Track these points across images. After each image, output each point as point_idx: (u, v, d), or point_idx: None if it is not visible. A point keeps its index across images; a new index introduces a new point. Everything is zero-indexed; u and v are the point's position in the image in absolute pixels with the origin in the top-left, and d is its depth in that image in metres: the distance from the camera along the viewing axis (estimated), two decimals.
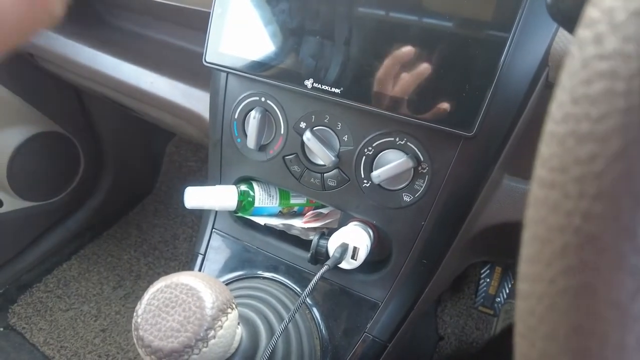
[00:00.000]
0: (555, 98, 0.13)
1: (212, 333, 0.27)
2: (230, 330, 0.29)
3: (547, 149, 0.12)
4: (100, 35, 0.77)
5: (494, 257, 0.74)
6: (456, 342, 0.92)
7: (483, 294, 0.89)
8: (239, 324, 0.34)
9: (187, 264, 1.16)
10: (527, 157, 0.43)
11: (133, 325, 0.28)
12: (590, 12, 0.11)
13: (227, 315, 0.28)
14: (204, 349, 0.27)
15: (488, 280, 0.89)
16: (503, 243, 0.54)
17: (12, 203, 1.02)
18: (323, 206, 0.52)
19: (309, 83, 0.41)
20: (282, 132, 0.46)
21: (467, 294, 0.93)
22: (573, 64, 0.12)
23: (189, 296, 0.27)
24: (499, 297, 0.88)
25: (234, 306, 0.30)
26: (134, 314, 0.28)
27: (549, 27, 0.36)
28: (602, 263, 0.10)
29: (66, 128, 1.03)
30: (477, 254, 0.58)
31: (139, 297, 1.13)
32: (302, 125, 0.45)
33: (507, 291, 0.88)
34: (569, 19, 0.21)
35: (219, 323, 0.28)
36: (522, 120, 0.40)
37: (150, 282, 0.97)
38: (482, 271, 0.88)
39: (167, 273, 1.07)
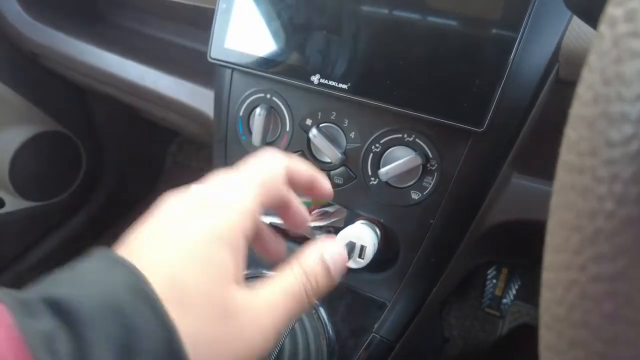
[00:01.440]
0: (583, 80, 0.12)
1: None
2: None
3: (574, 133, 0.12)
4: (104, 34, 0.77)
5: (502, 256, 0.73)
6: (462, 343, 0.92)
7: (489, 296, 0.88)
8: None
9: None
10: (537, 154, 0.42)
11: None
12: None
13: None
14: None
15: (494, 281, 0.88)
16: (511, 242, 0.53)
17: (14, 203, 1.02)
18: (329, 204, 0.52)
19: (315, 79, 0.40)
20: (287, 129, 0.46)
21: (473, 295, 0.92)
22: (603, 44, 0.11)
23: None
24: (506, 299, 0.88)
25: None
26: None
27: (559, 22, 0.36)
28: (637, 250, 0.10)
29: (68, 128, 1.03)
30: (485, 254, 0.57)
31: None
32: (308, 122, 0.44)
33: (514, 292, 0.87)
34: (587, 10, 0.20)
35: None
36: (532, 117, 0.39)
37: None
38: (488, 272, 0.88)
39: None
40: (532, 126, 0.40)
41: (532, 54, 0.35)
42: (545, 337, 0.12)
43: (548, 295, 0.12)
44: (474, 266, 0.61)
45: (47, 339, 0.15)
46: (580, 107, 0.11)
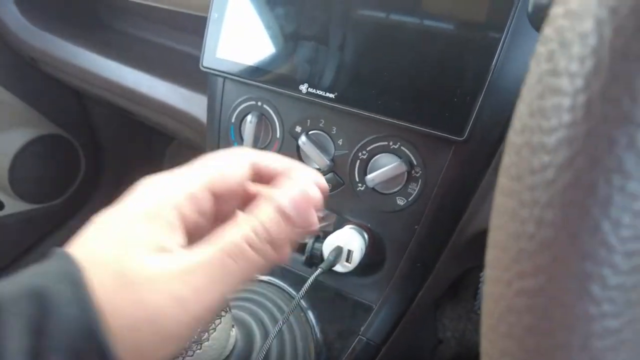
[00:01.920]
0: (516, 110, 0.13)
1: (205, 335, 0.28)
2: (224, 332, 0.29)
3: (507, 158, 0.13)
4: (101, 39, 0.78)
5: None
6: (456, 345, 0.93)
7: (483, 298, 0.89)
8: (233, 326, 0.34)
9: None
10: None
11: None
12: (546, 30, 0.12)
13: (220, 318, 0.29)
14: (198, 351, 0.27)
15: None
16: None
17: (14, 205, 1.03)
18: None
19: (303, 88, 0.42)
20: (277, 136, 0.47)
21: (466, 297, 0.93)
22: (531, 78, 0.12)
23: None
24: None
25: (227, 309, 0.30)
26: None
27: None
28: (553, 268, 0.11)
29: (67, 130, 1.04)
30: (473, 258, 0.58)
31: None
32: (298, 129, 0.45)
33: None
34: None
35: (212, 326, 0.28)
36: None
37: None
38: (481, 275, 0.88)
39: None
40: None
41: (513, 62, 0.36)
42: (483, 345, 0.13)
43: (484, 306, 0.13)
44: (463, 270, 0.62)
45: None
46: (512, 135, 0.12)
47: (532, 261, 0.11)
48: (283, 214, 0.20)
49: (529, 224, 0.11)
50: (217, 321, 0.29)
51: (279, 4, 0.42)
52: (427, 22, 0.37)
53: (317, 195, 0.22)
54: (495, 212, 0.13)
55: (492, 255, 0.13)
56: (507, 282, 0.12)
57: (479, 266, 0.90)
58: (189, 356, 0.27)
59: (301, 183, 0.22)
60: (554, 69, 0.11)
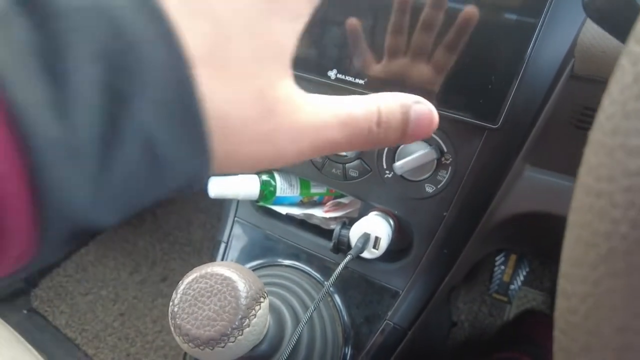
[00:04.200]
0: (604, 109, 0.13)
1: (246, 322, 0.28)
2: (263, 318, 0.30)
3: (594, 158, 0.13)
4: None
5: (513, 245, 0.74)
6: (469, 328, 0.94)
7: (497, 281, 0.89)
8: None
9: (201, 250, 1.18)
10: (549, 148, 0.43)
11: (170, 314, 0.29)
12: None
13: (260, 304, 0.29)
14: (239, 337, 0.28)
15: (503, 267, 0.89)
16: (523, 232, 0.54)
17: None
18: (343, 195, 0.53)
19: (332, 74, 0.41)
20: None
21: (481, 280, 0.94)
22: (625, 78, 0.12)
23: (224, 286, 0.28)
24: (514, 285, 0.89)
25: (265, 295, 0.30)
26: (170, 302, 0.29)
27: (576, 17, 0.36)
28: None
29: None
30: (496, 243, 0.58)
31: (154, 283, 1.15)
32: None
33: (522, 279, 0.89)
34: (606, 18, 0.21)
35: (253, 312, 0.29)
36: (546, 112, 0.40)
37: (165, 268, 0.99)
38: (497, 258, 0.89)
39: (182, 259, 1.08)
40: (546, 120, 0.40)
41: (548, 49, 0.36)
42: (560, 340, 0.13)
43: (564, 303, 0.13)
44: (484, 254, 0.62)
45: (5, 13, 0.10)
46: (601, 135, 0.12)
47: (625, 260, 0.11)
48: (405, 123, 0.20)
49: (623, 225, 0.11)
50: (257, 307, 0.29)
51: None
52: (461, 7, 0.36)
53: (434, 121, 0.21)
54: (577, 210, 0.13)
55: (575, 252, 0.13)
56: (595, 281, 0.12)
57: (496, 250, 0.90)
58: (230, 342, 0.28)
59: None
60: None
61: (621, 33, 0.20)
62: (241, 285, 0.28)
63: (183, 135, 0.13)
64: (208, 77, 0.13)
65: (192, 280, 0.29)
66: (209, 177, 0.16)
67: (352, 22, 0.39)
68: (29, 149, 0.10)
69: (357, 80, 0.40)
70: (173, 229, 1.24)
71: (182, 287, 0.29)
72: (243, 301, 0.28)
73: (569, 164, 0.40)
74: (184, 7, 0.13)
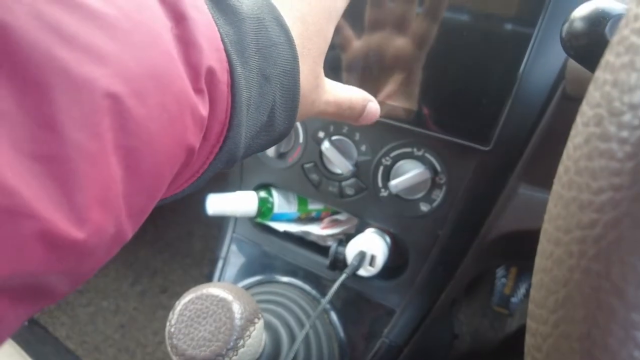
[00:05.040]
0: (562, 162, 0.14)
1: (241, 342, 0.29)
2: (258, 339, 0.30)
3: (554, 209, 0.14)
4: None
5: (510, 261, 0.74)
6: (471, 340, 0.93)
7: (499, 294, 0.89)
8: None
9: (202, 261, 1.18)
10: (543, 166, 0.43)
11: (167, 334, 0.29)
12: (592, 94, 0.12)
13: (254, 325, 0.30)
14: (234, 357, 0.28)
15: (504, 280, 0.89)
16: (518, 248, 0.55)
17: None
18: (339, 213, 0.53)
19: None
20: (300, 140, 0.47)
21: (482, 293, 0.94)
22: (578, 137, 0.13)
23: (219, 307, 0.29)
24: (515, 297, 0.89)
25: (260, 316, 0.31)
26: (167, 322, 0.30)
27: None
28: (598, 315, 0.12)
29: None
30: (493, 259, 0.58)
31: (155, 294, 1.16)
32: (321, 134, 0.46)
33: (523, 291, 0.89)
34: (581, 56, 0.22)
35: (248, 332, 0.29)
36: (539, 131, 0.40)
37: (166, 279, 0.99)
38: (498, 271, 0.89)
39: (182, 270, 1.09)
40: (539, 140, 0.41)
41: (539, 72, 0.37)
42: None
43: (530, 340, 0.14)
44: (482, 270, 0.62)
45: (213, 22, 0.18)
46: (559, 187, 0.13)
47: (579, 308, 0.12)
48: (364, 105, 0.28)
49: (576, 273, 0.12)
50: (252, 328, 0.30)
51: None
52: (452, 33, 0.37)
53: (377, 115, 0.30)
54: (541, 255, 0.14)
55: (539, 295, 0.13)
56: (554, 323, 0.12)
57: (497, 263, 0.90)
58: None
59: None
60: (603, 133, 0.12)
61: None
62: (236, 307, 0.29)
63: (288, 106, 0.22)
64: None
65: (189, 301, 0.30)
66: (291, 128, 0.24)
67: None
68: (232, 72, 0.17)
69: None
70: (174, 240, 1.24)
71: (178, 308, 0.30)
72: (237, 322, 0.29)
73: None
74: (289, 13, 0.22)
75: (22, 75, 0.11)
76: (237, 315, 0.29)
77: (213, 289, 0.30)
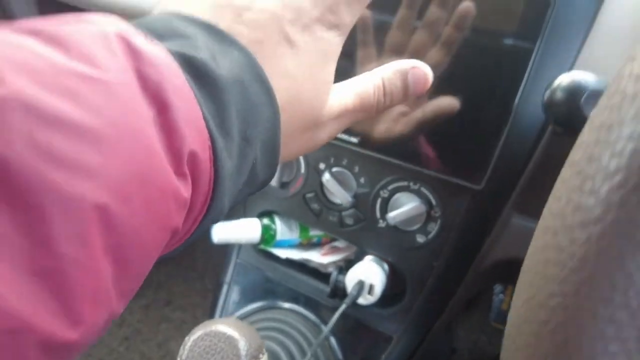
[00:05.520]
0: (541, 223, 0.16)
1: None
2: None
3: (526, 271, 0.16)
4: None
5: (506, 283, 0.76)
6: (469, 356, 0.95)
7: (496, 310, 0.91)
8: None
9: (205, 274, 1.20)
10: (536, 197, 0.45)
11: None
12: (577, 154, 0.14)
13: None
14: None
15: (501, 296, 0.91)
16: (513, 274, 0.56)
17: None
18: (338, 240, 0.55)
19: None
20: (302, 171, 0.49)
21: (480, 309, 0.96)
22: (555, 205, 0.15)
23: (227, 344, 0.31)
24: None
25: (264, 351, 0.33)
26: (178, 357, 0.32)
27: (562, 70, 0.38)
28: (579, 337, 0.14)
29: None
30: (488, 282, 0.60)
31: (159, 307, 1.17)
32: (321, 166, 0.48)
33: None
34: (560, 123, 0.24)
35: None
36: (531, 165, 0.42)
37: (170, 292, 1.00)
38: (495, 287, 0.91)
39: (186, 283, 1.10)
40: (531, 173, 0.43)
41: (530, 110, 0.38)
42: None
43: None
44: (478, 292, 0.64)
45: (194, 105, 0.18)
46: (536, 241, 0.15)
47: (548, 341, 0.14)
48: (406, 89, 0.25)
49: (558, 315, 0.14)
50: None
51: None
52: (444, 76, 0.39)
53: (429, 80, 0.26)
54: (520, 285, 0.16)
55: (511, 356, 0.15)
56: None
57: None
58: None
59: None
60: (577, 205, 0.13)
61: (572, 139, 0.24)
62: (242, 344, 0.31)
63: (268, 160, 0.22)
64: (284, 116, 0.22)
65: (198, 338, 0.32)
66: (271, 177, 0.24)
67: None
68: (214, 148, 0.18)
69: (350, 139, 0.43)
70: (177, 253, 1.26)
71: (189, 344, 0.32)
72: (243, 359, 0.31)
73: None
74: (274, 70, 0.21)
75: (19, 200, 0.12)
76: (243, 353, 0.31)
77: (221, 326, 0.32)
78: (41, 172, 0.13)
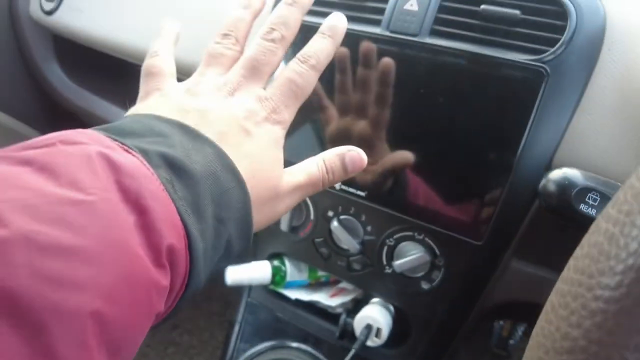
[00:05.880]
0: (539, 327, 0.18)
1: None
2: None
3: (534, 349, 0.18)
4: (135, 97, 0.84)
5: (507, 319, 0.78)
6: None
7: (497, 336, 0.93)
8: None
9: (212, 297, 1.21)
10: (534, 243, 0.47)
11: None
12: (581, 251, 0.16)
13: None
14: None
15: (501, 322, 0.93)
16: (512, 314, 0.59)
17: None
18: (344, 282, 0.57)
19: (337, 185, 0.47)
20: (312, 217, 0.52)
21: (480, 335, 0.97)
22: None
23: None
24: (512, 339, 0.92)
25: None
26: None
27: (555, 136, 0.40)
28: None
29: None
30: (490, 319, 0.62)
31: (166, 331, 1.18)
32: (330, 213, 0.50)
33: (520, 334, 0.92)
34: (553, 211, 0.26)
35: None
36: (529, 217, 0.45)
37: (177, 316, 1.02)
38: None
39: (193, 306, 1.11)
40: (529, 222, 0.45)
41: (526, 174, 0.40)
42: None
43: None
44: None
45: (170, 182, 0.21)
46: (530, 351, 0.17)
47: None
48: (345, 169, 0.31)
49: None
50: None
51: (314, 112, 0.47)
52: (447, 137, 0.41)
53: (364, 160, 0.32)
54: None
55: None
56: None
57: None
58: None
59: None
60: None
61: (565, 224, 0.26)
62: None
63: (243, 233, 0.25)
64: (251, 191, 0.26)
65: None
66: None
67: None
68: (189, 236, 0.21)
69: (358, 192, 0.46)
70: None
71: None
72: None
73: (552, 259, 0.44)
74: (237, 154, 0.25)
75: (26, 320, 0.15)
76: None
77: None
78: (42, 295, 0.16)
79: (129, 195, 0.19)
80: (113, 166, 0.20)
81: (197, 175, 0.23)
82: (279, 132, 0.29)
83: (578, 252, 0.17)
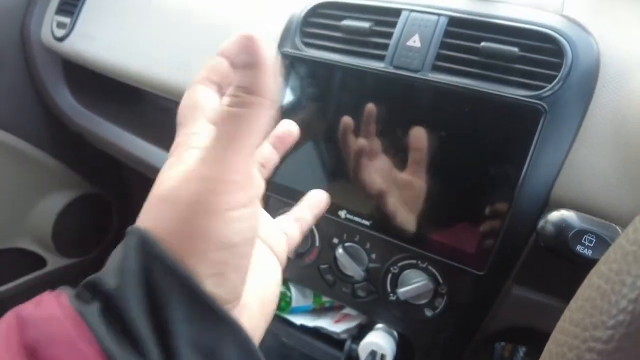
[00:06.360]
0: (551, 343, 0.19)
1: None
2: None
3: None
4: (142, 120, 0.85)
5: (509, 342, 0.78)
6: None
7: (498, 357, 0.93)
8: None
9: None
10: (533, 270, 0.48)
11: None
12: (585, 292, 0.18)
13: None
14: None
15: (502, 343, 0.93)
16: (513, 338, 0.59)
17: (54, 261, 1.10)
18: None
19: (342, 213, 0.48)
20: (317, 244, 0.53)
21: (482, 356, 0.97)
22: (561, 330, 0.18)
23: None
24: (515, 359, 0.92)
25: None
26: None
27: (553, 170, 0.42)
28: None
29: (103, 189, 1.12)
30: (492, 342, 0.63)
31: None
32: (335, 240, 0.51)
33: (522, 355, 0.92)
34: (551, 250, 0.28)
35: None
36: (529, 246, 0.46)
37: None
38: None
39: None
40: (529, 251, 0.46)
41: (526, 206, 0.41)
42: None
43: None
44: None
45: (94, 314, 0.20)
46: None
47: None
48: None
49: None
50: None
51: (323, 142, 0.48)
52: (448, 173, 0.43)
53: None
54: None
55: None
56: None
57: None
58: None
59: None
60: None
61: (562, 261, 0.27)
62: None
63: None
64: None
65: None
66: None
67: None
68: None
69: (363, 221, 0.47)
70: None
71: None
72: None
73: (551, 286, 0.45)
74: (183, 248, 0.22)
75: None
76: None
77: None
78: None
79: None
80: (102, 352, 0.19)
81: (110, 289, 0.21)
82: None
83: (572, 304, 0.18)
